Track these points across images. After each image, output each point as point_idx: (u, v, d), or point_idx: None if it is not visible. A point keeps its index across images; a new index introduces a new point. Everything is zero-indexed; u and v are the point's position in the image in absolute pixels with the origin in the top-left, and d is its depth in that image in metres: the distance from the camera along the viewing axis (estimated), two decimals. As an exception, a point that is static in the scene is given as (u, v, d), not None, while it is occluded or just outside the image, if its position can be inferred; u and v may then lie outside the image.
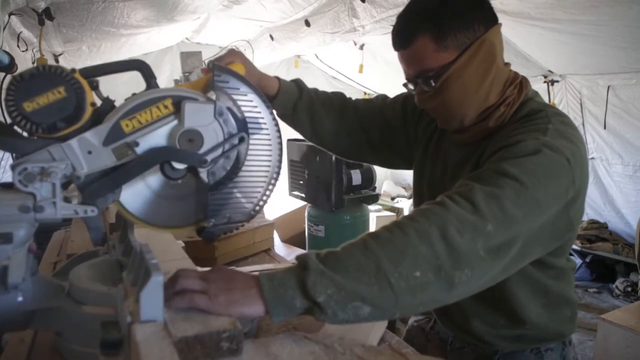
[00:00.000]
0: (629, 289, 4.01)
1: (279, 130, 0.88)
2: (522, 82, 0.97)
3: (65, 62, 3.65)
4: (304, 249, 3.55)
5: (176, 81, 3.82)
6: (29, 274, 0.75)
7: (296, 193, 3.50)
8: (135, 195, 0.81)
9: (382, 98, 1.24)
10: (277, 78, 1.14)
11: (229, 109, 0.81)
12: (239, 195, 0.85)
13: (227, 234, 0.87)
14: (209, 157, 0.79)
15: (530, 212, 0.75)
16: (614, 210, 4.25)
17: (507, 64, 0.96)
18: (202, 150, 0.79)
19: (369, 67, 4.78)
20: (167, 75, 4.89)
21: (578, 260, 4.51)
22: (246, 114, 0.83)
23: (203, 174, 0.80)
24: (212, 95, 0.80)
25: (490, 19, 0.92)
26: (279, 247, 3.77)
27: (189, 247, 1.23)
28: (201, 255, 1.28)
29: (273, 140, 0.87)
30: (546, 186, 0.77)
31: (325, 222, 3.24)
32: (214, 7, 3.54)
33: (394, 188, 6.53)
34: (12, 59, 1.75)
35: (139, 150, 0.75)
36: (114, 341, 0.62)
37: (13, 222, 0.69)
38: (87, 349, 0.73)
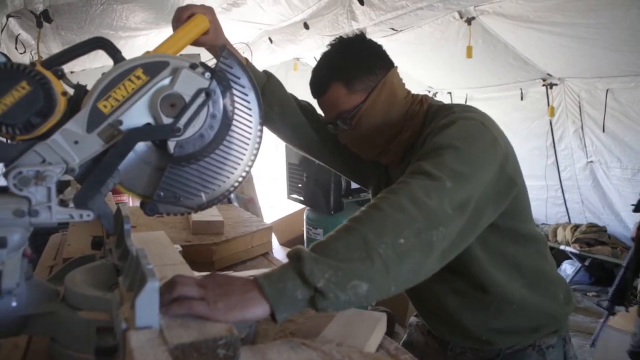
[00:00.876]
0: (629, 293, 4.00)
1: (260, 137, 0.86)
2: (421, 99, 1.11)
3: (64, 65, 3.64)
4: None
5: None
6: (23, 279, 0.74)
7: (295, 196, 3.50)
8: (136, 175, 0.79)
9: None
10: (246, 59, 1.16)
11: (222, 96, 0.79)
12: (197, 180, 0.82)
13: (169, 215, 0.84)
14: (181, 124, 0.76)
15: (474, 168, 0.85)
16: (612, 213, 4.25)
17: (408, 94, 1.11)
18: (182, 120, 0.76)
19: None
20: (166, 78, 4.88)
21: (577, 264, 4.50)
22: (237, 106, 0.82)
23: (172, 143, 0.77)
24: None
25: (388, 64, 1.09)
26: (278, 250, 3.76)
27: (186, 251, 1.23)
28: (198, 259, 1.27)
29: (251, 142, 0.85)
30: (475, 144, 0.89)
31: (324, 225, 3.23)
32: (213, 9, 3.54)
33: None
34: (9, 61, 1.75)
35: (124, 127, 0.74)
36: (108, 348, 0.61)
37: (7, 227, 0.69)
38: (81, 355, 0.72)
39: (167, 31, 3.83)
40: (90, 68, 4.14)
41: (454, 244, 0.81)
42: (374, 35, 3.60)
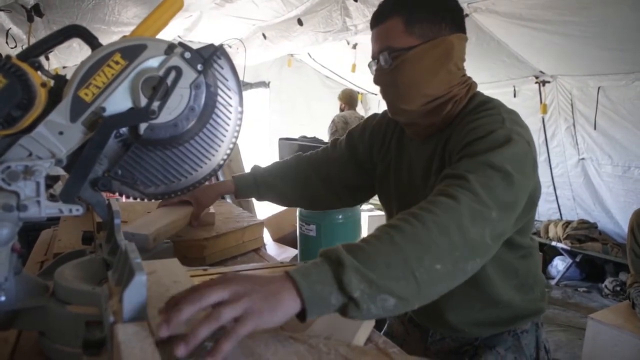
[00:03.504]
0: (618, 289, 4.05)
1: (234, 143, 0.85)
2: (470, 84, 1.05)
3: (56, 59, 3.62)
4: (295, 248, 3.54)
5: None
6: (12, 274, 0.74)
7: (288, 192, 3.49)
8: None
9: (332, 144, 1.35)
10: (233, 178, 1.34)
11: (207, 92, 0.79)
12: (159, 168, 0.81)
13: (117, 195, 0.83)
14: (154, 107, 0.75)
15: (518, 198, 0.83)
16: (603, 210, 4.29)
17: (464, 71, 1.05)
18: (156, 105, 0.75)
19: (361, 66, 4.78)
20: (159, 73, 4.86)
21: (568, 260, 4.54)
22: (218, 106, 0.82)
23: (144, 125, 0.76)
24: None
25: (458, 28, 1.02)
26: (271, 246, 3.76)
27: (177, 247, 1.23)
28: (189, 254, 1.27)
29: (223, 146, 0.84)
30: (524, 171, 0.86)
31: (317, 221, 3.22)
32: (206, 4, 3.53)
33: (386, 187, 6.54)
34: None
35: (107, 114, 0.73)
36: (96, 341, 0.61)
37: (-5, 221, 0.69)
38: (70, 349, 0.72)
39: (160, 26, 3.73)
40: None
41: (482, 264, 0.79)
42: (367, 32, 3.60)
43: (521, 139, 0.88)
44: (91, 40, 0.77)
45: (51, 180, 0.77)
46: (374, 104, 6.60)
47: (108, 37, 3.49)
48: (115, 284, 0.72)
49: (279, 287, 0.64)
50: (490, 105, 0.99)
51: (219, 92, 0.82)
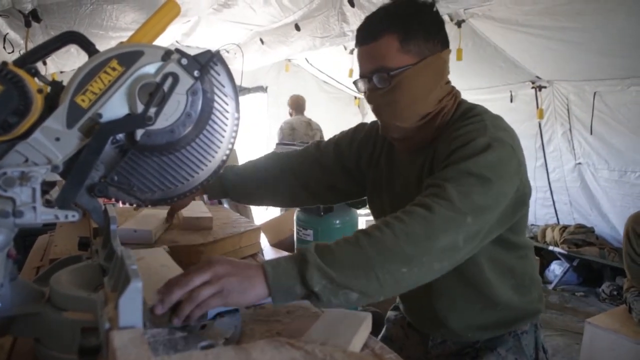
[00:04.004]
0: (615, 293, 4.05)
1: (230, 150, 0.86)
2: (455, 93, 1.07)
3: (54, 64, 3.62)
4: (292, 253, 3.54)
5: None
6: (7, 280, 0.74)
7: (285, 197, 3.49)
8: None
9: (315, 146, 1.32)
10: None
11: (204, 99, 0.80)
12: (155, 174, 0.81)
13: (113, 201, 0.82)
14: (151, 112, 0.75)
15: (496, 200, 0.87)
16: (600, 215, 4.30)
17: (449, 82, 1.06)
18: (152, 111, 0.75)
19: (358, 71, 4.79)
20: (157, 78, 4.86)
21: (565, 265, 4.55)
22: (214, 113, 0.82)
23: (140, 132, 0.76)
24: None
25: (445, 42, 1.02)
26: (268, 251, 3.76)
27: (173, 252, 1.22)
28: (186, 260, 1.27)
29: (220, 152, 0.84)
30: (503, 175, 0.89)
31: (314, 226, 3.24)
32: (204, 10, 3.54)
33: (384, 192, 6.54)
34: None
35: (104, 120, 0.73)
36: (91, 347, 0.61)
37: (-9, 227, 0.69)
38: (66, 356, 0.72)
39: (157, 32, 3.71)
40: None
41: (455, 264, 0.85)
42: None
43: (501, 144, 0.91)
44: (88, 47, 0.77)
45: (47, 186, 0.77)
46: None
47: (106, 42, 3.49)
48: (111, 290, 0.72)
49: (252, 273, 0.75)
50: (474, 112, 1.01)
51: (216, 98, 0.82)
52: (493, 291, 1.05)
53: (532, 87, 4.22)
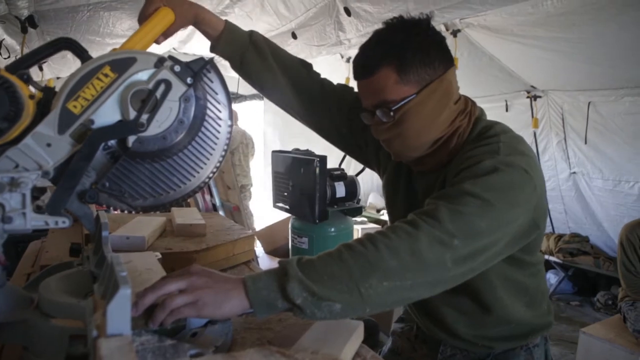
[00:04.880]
0: (610, 302, 4.05)
1: (223, 157, 0.86)
2: (471, 109, 1.01)
3: (50, 70, 3.62)
4: (288, 260, 3.53)
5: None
6: (-4, 286, 0.73)
7: (280, 205, 3.49)
8: None
9: (354, 99, 1.17)
10: (225, 20, 1.08)
11: (197, 106, 0.80)
12: (147, 181, 0.81)
13: (105, 208, 0.82)
14: (143, 119, 0.75)
15: (496, 224, 0.82)
16: (595, 224, 4.31)
17: (459, 98, 1.00)
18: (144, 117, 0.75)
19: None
20: (154, 85, 4.86)
21: (560, 274, 4.55)
22: (207, 119, 0.82)
23: (132, 138, 0.76)
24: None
25: (448, 60, 0.96)
26: (263, 258, 3.75)
27: (166, 259, 1.22)
28: (179, 267, 1.26)
29: (213, 158, 0.84)
30: (509, 199, 0.84)
31: (309, 234, 3.23)
32: None
33: (379, 200, 6.55)
34: None
35: (96, 126, 0.73)
36: (78, 356, 0.60)
37: (-20, 233, 0.68)
38: (54, 364, 0.71)
39: (154, 39, 3.71)
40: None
41: (448, 285, 0.81)
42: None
43: (511, 168, 0.86)
44: (81, 53, 0.78)
45: (38, 192, 0.76)
46: (368, 117, 6.63)
47: (102, 49, 3.49)
48: (100, 297, 0.71)
49: (231, 287, 0.74)
50: (490, 133, 0.96)
51: (209, 105, 0.82)
52: (506, 310, 1.02)
53: (527, 97, 4.25)
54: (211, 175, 0.86)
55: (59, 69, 3.75)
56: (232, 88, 5.10)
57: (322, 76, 1.23)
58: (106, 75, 0.74)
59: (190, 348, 0.68)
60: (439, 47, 0.96)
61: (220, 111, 0.83)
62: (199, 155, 0.84)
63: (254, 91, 6.05)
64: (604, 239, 4.31)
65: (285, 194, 3.37)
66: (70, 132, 0.72)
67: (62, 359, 0.67)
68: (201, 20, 1.05)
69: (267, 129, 6.17)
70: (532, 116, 4.28)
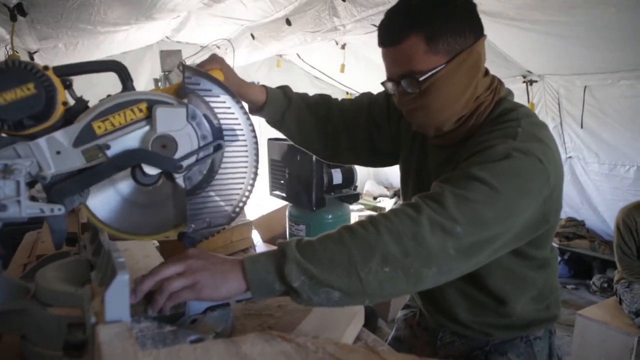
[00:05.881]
0: (605, 285, 4.09)
1: (253, 131, 0.88)
2: (496, 87, 0.97)
3: (41, 60, 3.57)
4: (286, 248, 3.53)
5: (156, 80, 3.77)
6: (-9, 276, 0.72)
7: (277, 193, 3.49)
8: (105, 202, 0.79)
9: (368, 95, 1.24)
10: (264, 87, 1.12)
11: (204, 115, 0.80)
12: (217, 198, 0.85)
13: (208, 238, 0.87)
14: (184, 163, 0.78)
15: (503, 213, 0.78)
16: (590, 208, 4.33)
17: (487, 73, 0.97)
18: (177, 156, 0.78)
19: (350, 66, 4.78)
20: (147, 74, 4.82)
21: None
22: (220, 117, 0.82)
23: (179, 179, 0.80)
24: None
25: (479, 30, 0.91)
26: (261, 247, 3.75)
27: (164, 247, 1.21)
28: (176, 254, 1.26)
29: (249, 142, 0.86)
30: (519, 188, 0.80)
31: (306, 221, 3.24)
32: (194, 5, 3.50)
33: (376, 187, 6.56)
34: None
35: (110, 153, 0.74)
36: (77, 343, 0.60)
37: (-27, 222, 0.67)
38: (52, 352, 0.70)
39: (147, 27, 3.78)
40: (69, 63, 4.07)
41: (450, 277, 0.78)
42: (356, 32, 3.60)
43: (525, 155, 0.81)
44: (125, 81, 0.80)
45: (32, 183, 0.76)
46: (364, 104, 6.60)
47: (94, 37, 3.45)
48: (98, 284, 0.71)
49: (228, 268, 0.74)
50: (510, 116, 0.91)
51: (213, 104, 0.82)
52: (510, 304, 1.00)
53: (524, 82, 4.23)
54: (256, 151, 0.88)
55: (51, 59, 3.70)
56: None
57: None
58: (140, 110, 0.76)
59: (190, 334, 0.68)
60: (471, 15, 0.91)
61: (225, 102, 0.83)
62: (238, 146, 0.86)
63: (249, 79, 5.96)
64: (600, 223, 4.34)
65: (282, 181, 3.37)
66: (84, 148, 0.73)
67: (60, 347, 0.66)
68: (245, 93, 1.07)
69: (261, 119, 6.15)
70: (528, 101, 4.27)
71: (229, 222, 0.88)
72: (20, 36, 2.85)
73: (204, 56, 4.79)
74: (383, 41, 0.92)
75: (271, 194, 3.56)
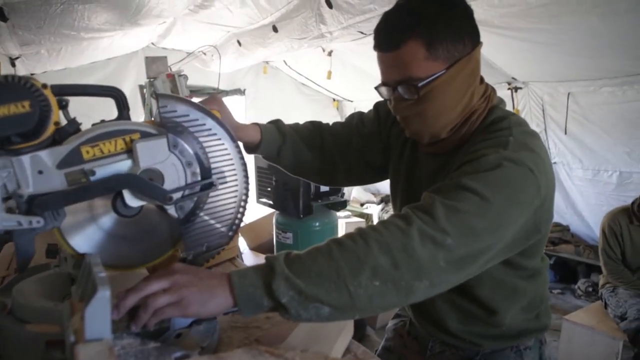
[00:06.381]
0: (590, 289, 4.13)
1: (237, 146, 0.87)
2: (489, 94, 0.97)
3: (23, 66, 3.51)
4: (273, 256, 3.50)
5: (141, 87, 3.73)
6: (-35, 291, 0.69)
7: (264, 200, 3.47)
8: (86, 237, 0.78)
9: (358, 114, 1.24)
10: (258, 125, 1.12)
11: (195, 154, 0.81)
12: (212, 221, 0.84)
13: (209, 261, 0.87)
14: (174, 196, 0.78)
15: (494, 224, 0.77)
16: (575, 213, 4.38)
17: (482, 81, 0.96)
18: (167, 187, 0.78)
19: (337, 73, 4.79)
20: (133, 81, 4.78)
21: (542, 263, 4.61)
22: (202, 139, 0.81)
23: (171, 209, 0.80)
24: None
25: (476, 37, 0.91)
26: (247, 255, 3.71)
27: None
28: (160, 265, 1.23)
29: (235, 158, 0.86)
30: (510, 198, 0.79)
31: (294, 229, 3.21)
32: (180, 11, 3.47)
33: (363, 194, 6.56)
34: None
35: (94, 178, 0.73)
36: (55, 363, 0.57)
37: (-55, 235, 0.64)
38: (30, 371, 0.67)
39: (132, 33, 3.72)
40: (52, 70, 4.01)
41: (441, 289, 0.77)
42: (343, 39, 3.60)
43: (516, 166, 0.80)
44: (122, 109, 0.79)
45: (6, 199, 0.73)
46: (350, 110, 6.61)
47: (78, 43, 3.40)
48: (78, 299, 0.68)
49: (215, 284, 0.71)
50: (502, 125, 0.90)
51: (192, 129, 0.81)
52: (500, 313, 0.99)
53: (509, 88, 4.28)
54: (244, 168, 0.88)
55: (33, 65, 3.64)
56: (213, 84, 5.03)
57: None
58: (132, 141, 0.75)
59: (175, 350, 0.66)
60: (470, 22, 0.90)
61: (204, 124, 0.82)
62: (225, 164, 0.85)
63: (235, 86, 6.00)
64: (584, 228, 4.39)
65: (269, 189, 3.34)
66: (68, 171, 0.71)
67: (39, 366, 0.64)
68: (240, 136, 1.06)
69: (249, 124, 6.12)
70: (513, 107, 4.31)
71: (228, 242, 0.87)
72: (1, 42, 2.80)
73: (189, 62, 4.77)
74: (380, 45, 0.90)
75: (258, 201, 3.53)
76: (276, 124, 1.15)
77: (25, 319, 0.69)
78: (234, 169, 0.85)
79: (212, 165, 0.83)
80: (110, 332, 0.57)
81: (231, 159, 0.85)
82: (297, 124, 1.21)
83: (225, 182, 0.85)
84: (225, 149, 0.84)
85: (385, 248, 0.72)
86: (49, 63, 3.68)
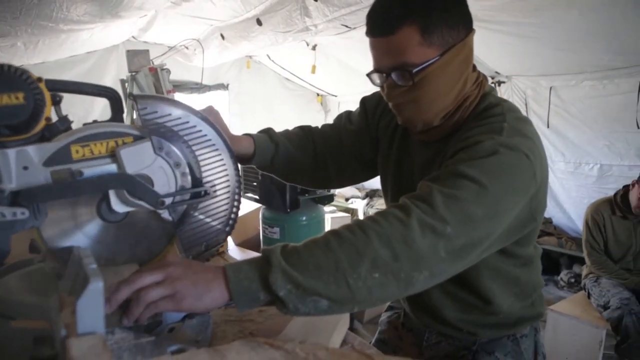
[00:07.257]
0: (573, 280, 4.21)
1: (225, 141, 0.86)
2: (481, 81, 0.97)
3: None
4: (259, 252, 3.48)
5: (122, 81, 3.65)
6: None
7: (250, 195, 3.43)
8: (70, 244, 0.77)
9: (346, 113, 1.23)
10: (250, 136, 1.10)
11: (188, 164, 0.80)
12: (208, 219, 0.83)
13: (209, 260, 0.86)
14: (166, 201, 0.76)
15: (492, 212, 0.77)
16: (557, 205, 4.45)
17: (475, 68, 0.96)
18: (157, 191, 0.76)
19: (321, 67, 4.77)
20: (113, 75, 4.68)
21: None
22: (189, 137, 0.80)
23: (165, 213, 0.78)
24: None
25: (469, 23, 0.91)
26: (234, 250, 3.68)
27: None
28: (149, 262, 1.20)
29: (224, 155, 0.85)
30: (507, 185, 0.79)
31: (281, 223, 3.19)
32: (162, 4, 3.41)
33: (348, 189, 6.56)
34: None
35: (80, 179, 0.70)
36: (44, 359, 0.54)
37: None
38: (16, 369, 0.65)
39: (113, 26, 3.63)
40: (29, 64, 3.90)
41: (441, 279, 0.76)
42: (327, 32, 3.58)
43: (512, 151, 0.80)
44: (116, 111, 0.78)
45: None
46: (334, 105, 6.61)
47: (56, 35, 3.31)
48: (68, 293, 0.65)
49: (210, 277, 0.69)
50: (495, 111, 0.90)
51: (176, 128, 0.79)
52: (495, 300, 0.99)
53: (492, 82, 4.32)
54: (235, 163, 0.88)
55: (10, 59, 3.54)
56: (196, 78, 4.96)
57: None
58: (125, 144, 0.73)
59: (170, 344, 0.64)
60: (464, 8, 0.89)
61: (188, 121, 0.80)
62: (214, 164, 0.84)
63: (218, 81, 5.93)
64: (566, 220, 4.46)
65: (255, 183, 3.31)
66: (54, 170, 0.69)
67: (26, 363, 0.61)
68: (235, 149, 1.01)
69: (232, 119, 6.07)
70: (497, 102, 4.36)
71: (226, 238, 0.86)
72: (-25, 34, 2.71)
73: (172, 57, 4.70)
74: (373, 31, 0.88)
75: (243, 196, 3.49)
76: (268, 132, 1.14)
77: (11, 315, 0.66)
78: (224, 163, 0.84)
79: (201, 162, 0.82)
80: (104, 326, 0.54)
81: (219, 152, 0.83)
82: (287, 131, 1.20)
83: (216, 179, 0.84)
84: (213, 144, 0.83)
85: (385, 240, 0.71)
86: (25, 56, 3.58)
